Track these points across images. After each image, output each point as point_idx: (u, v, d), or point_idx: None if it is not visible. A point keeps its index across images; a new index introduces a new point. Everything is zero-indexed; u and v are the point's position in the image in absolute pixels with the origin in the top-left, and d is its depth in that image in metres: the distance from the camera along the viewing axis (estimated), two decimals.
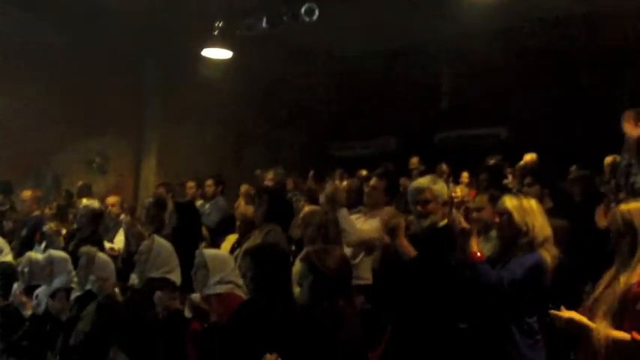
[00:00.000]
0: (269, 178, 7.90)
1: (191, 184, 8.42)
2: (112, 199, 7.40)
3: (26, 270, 5.09)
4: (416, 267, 3.48)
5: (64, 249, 5.63)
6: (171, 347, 3.76)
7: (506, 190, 5.57)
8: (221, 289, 3.85)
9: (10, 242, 6.76)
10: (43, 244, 6.46)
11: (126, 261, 5.35)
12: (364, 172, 7.91)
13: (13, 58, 9.37)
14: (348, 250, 4.49)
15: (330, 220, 4.63)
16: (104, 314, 4.24)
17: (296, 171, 8.64)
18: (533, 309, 3.31)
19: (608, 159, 6.27)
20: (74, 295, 4.69)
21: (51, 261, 5.00)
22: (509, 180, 7.08)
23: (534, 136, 9.12)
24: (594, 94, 9.10)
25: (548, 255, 3.26)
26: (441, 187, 3.77)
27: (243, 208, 6.11)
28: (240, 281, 3.89)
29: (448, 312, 3.51)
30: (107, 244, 6.13)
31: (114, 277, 4.68)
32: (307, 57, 10.82)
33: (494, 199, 4.20)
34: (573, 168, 6.40)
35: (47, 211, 7.41)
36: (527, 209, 3.34)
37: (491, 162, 7.58)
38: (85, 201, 6.45)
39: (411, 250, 3.51)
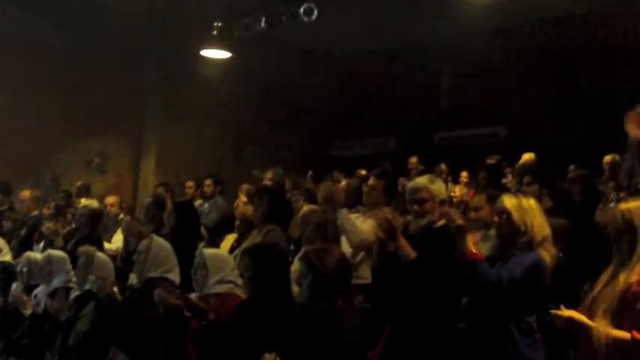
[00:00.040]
0: (268, 178, 7.90)
1: (190, 183, 8.42)
2: (110, 199, 7.40)
3: (25, 270, 5.09)
4: (415, 267, 3.48)
5: (63, 249, 5.62)
6: (170, 347, 3.76)
7: (505, 190, 5.56)
8: (221, 288, 3.86)
9: (9, 242, 6.75)
10: (42, 244, 6.46)
11: (125, 260, 5.34)
12: (363, 172, 7.92)
13: (13, 58, 9.38)
14: (348, 250, 4.49)
15: (329, 219, 4.63)
16: (103, 314, 4.23)
17: (295, 171, 8.65)
18: (532, 308, 3.32)
19: (608, 158, 6.27)
20: (73, 294, 4.69)
21: (50, 261, 5.00)
22: (508, 179, 7.08)
23: (534, 136, 9.13)
24: (594, 94, 9.10)
25: (547, 254, 3.27)
26: (438, 187, 3.77)
27: (242, 207, 6.10)
28: (240, 281, 3.88)
29: (447, 311, 3.51)
30: (107, 245, 6.13)
31: (113, 277, 4.68)
32: (307, 57, 10.82)
33: (492, 199, 4.21)
34: (572, 167, 6.40)
35: (45, 210, 7.41)
36: (526, 208, 3.35)
37: (491, 161, 7.59)
38: (84, 201, 6.44)
39: (410, 252, 3.51)
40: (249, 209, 5.49)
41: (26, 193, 7.83)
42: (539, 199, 3.82)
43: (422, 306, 3.48)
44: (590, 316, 2.71)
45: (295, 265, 3.95)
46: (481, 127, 10.77)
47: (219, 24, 8.61)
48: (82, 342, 4.25)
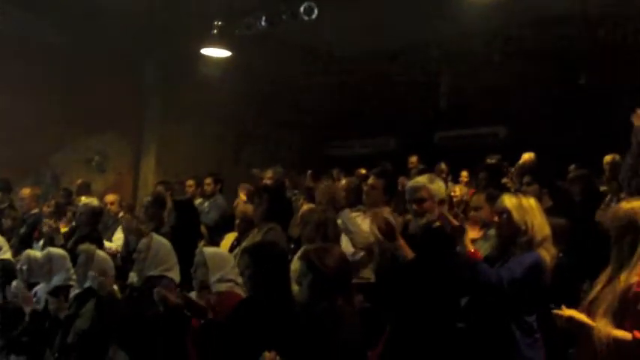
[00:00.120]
0: (268, 177, 7.90)
1: (190, 182, 8.41)
2: (111, 197, 7.41)
3: (25, 268, 5.09)
4: (413, 267, 3.48)
5: (64, 246, 5.62)
6: (170, 345, 3.76)
7: (505, 189, 5.56)
8: (221, 287, 3.86)
9: (9, 240, 6.75)
10: (42, 242, 6.46)
11: (125, 259, 5.34)
12: (363, 171, 7.92)
13: (13, 58, 9.38)
14: (348, 250, 4.49)
15: (328, 218, 4.63)
16: (103, 312, 4.23)
17: (295, 170, 8.65)
18: (532, 308, 3.32)
19: (608, 158, 6.27)
20: (73, 292, 4.69)
21: (50, 258, 5.00)
22: (507, 179, 7.08)
23: (534, 136, 9.14)
24: (594, 94, 9.11)
25: (547, 254, 3.27)
26: (437, 186, 3.76)
27: (242, 206, 6.11)
28: (240, 279, 3.88)
29: (446, 311, 3.51)
30: (107, 243, 6.13)
31: (113, 275, 4.68)
32: (307, 56, 10.83)
33: (491, 198, 4.21)
34: (572, 167, 6.41)
35: (45, 208, 7.41)
36: (527, 208, 3.34)
37: (491, 161, 7.59)
38: (84, 199, 6.45)
39: (408, 252, 3.51)
40: (250, 208, 5.50)
41: (26, 191, 7.82)
42: (539, 199, 3.81)
43: (421, 306, 3.48)
44: (589, 316, 2.71)
45: (295, 264, 3.94)
46: (481, 126, 10.78)
47: (220, 23, 8.61)
48: (82, 340, 4.25)
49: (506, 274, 3.20)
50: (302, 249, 4.16)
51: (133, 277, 4.55)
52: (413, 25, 9.38)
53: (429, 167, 7.92)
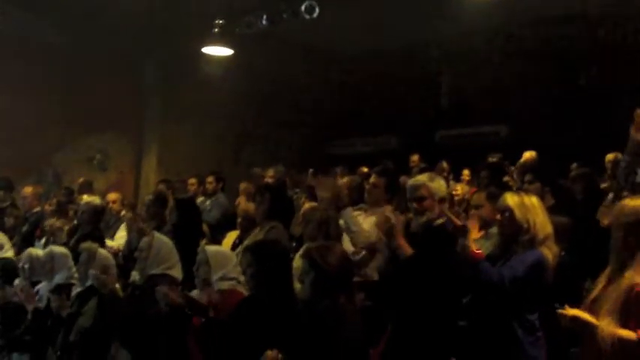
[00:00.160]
0: (269, 176, 7.90)
1: (192, 180, 8.41)
2: (112, 196, 7.39)
3: (27, 266, 5.09)
4: (413, 265, 3.48)
5: (66, 245, 5.62)
6: (172, 344, 3.76)
7: (507, 188, 5.56)
8: (223, 285, 3.86)
9: (11, 238, 6.77)
10: (43, 240, 6.46)
11: (127, 257, 5.34)
12: (365, 169, 7.91)
13: (13, 58, 9.38)
14: (350, 248, 4.50)
15: (330, 217, 4.63)
16: (105, 310, 4.23)
17: (295, 169, 8.64)
18: (535, 306, 3.32)
19: (610, 156, 6.28)
20: (75, 291, 4.70)
21: (52, 257, 4.99)
22: (509, 178, 7.08)
23: (534, 135, 9.14)
24: (594, 94, 9.12)
25: (550, 252, 3.26)
26: (438, 185, 3.77)
27: (244, 205, 6.11)
28: (242, 278, 3.88)
29: (448, 310, 3.52)
30: (109, 242, 6.13)
31: (115, 274, 4.68)
32: (308, 55, 10.83)
33: (492, 197, 4.21)
34: (574, 166, 6.41)
35: (47, 207, 7.41)
36: (529, 206, 3.34)
37: (493, 160, 7.59)
38: (86, 197, 6.45)
39: (407, 250, 3.51)
40: (252, 206, 5.49)
41: (28, 190, 7.84)
42: (541, 198, 3.82)
43: (423, 304, 3.48)
44: (592, 315, 2.71)
45: (297, 262, 3.94)
46: (482, 125, 10.78)
47: (221, 21, 8.61)
48: (84, 338, 4.25)
49: (508, 273, 3.20)
50: (304, 247, 4.15)
51: (134, 275, 4.54)
52: (413, 24, 9.40)
53: (430, 166, 7.92)
